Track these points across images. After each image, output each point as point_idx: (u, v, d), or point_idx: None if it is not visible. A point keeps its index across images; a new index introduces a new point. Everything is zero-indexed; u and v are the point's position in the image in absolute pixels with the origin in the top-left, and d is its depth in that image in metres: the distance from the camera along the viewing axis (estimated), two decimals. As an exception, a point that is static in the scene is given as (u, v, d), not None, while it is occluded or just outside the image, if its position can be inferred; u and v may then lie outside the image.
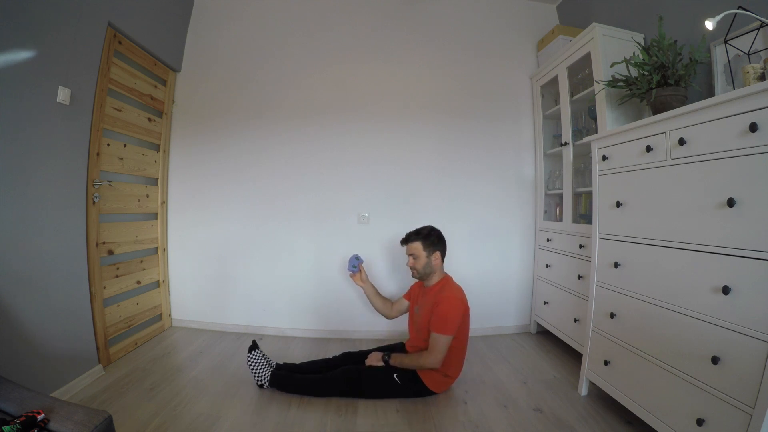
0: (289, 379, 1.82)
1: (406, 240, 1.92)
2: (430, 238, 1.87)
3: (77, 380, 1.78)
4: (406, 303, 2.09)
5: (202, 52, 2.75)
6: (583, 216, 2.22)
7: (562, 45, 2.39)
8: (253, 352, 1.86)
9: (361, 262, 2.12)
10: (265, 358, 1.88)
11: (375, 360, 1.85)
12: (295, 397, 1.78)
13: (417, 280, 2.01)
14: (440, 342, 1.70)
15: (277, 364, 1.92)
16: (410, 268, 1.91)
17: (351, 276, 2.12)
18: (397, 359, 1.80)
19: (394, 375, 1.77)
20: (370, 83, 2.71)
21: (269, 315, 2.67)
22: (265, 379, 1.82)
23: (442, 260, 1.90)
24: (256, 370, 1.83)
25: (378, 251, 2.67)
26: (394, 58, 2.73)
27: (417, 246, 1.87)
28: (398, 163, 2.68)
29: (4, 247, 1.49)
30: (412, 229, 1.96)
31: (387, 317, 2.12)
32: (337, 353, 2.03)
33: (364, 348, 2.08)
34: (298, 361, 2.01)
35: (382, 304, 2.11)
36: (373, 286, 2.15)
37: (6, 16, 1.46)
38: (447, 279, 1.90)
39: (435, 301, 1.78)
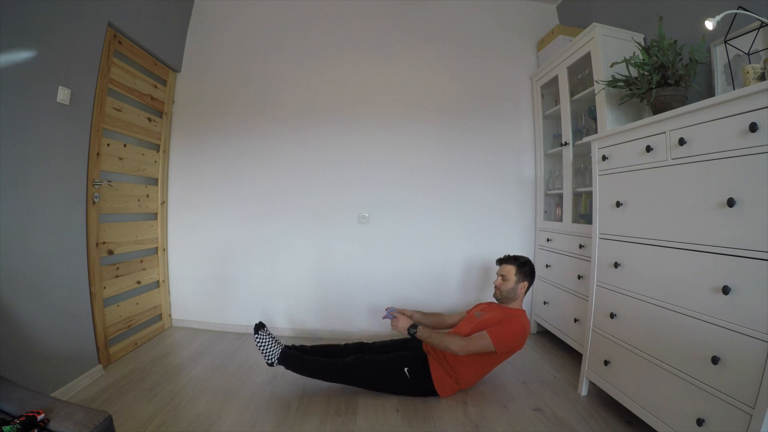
0: (299, 359, 1.82)
1: (503, 261, 1.99)
2: (525, 268, 1.94)
3: (77, 380, 1.78)
4: (461, 315, 2.12)
5: (202, 52, 2.75)
6: (583, 216, 2.22)
7: (562, 45, 2.39)
8: (260, 331, 1.85)
9: (393, 311, 1.97)
10: (273, 338, 1.87)
11: (402, 327, 1.81)
12: (296, 397, 1.78)
13: (482, 302, 2.12)
14: (482, 341, 1.71)
15: (286, 345, 1.90)
16: (495, 286, 1.96)
17: (394, 321, 1.88)
18: (425, 332, 1.77)
19: (405, 369, 1.77)
20: (369, 83, 2.71)
21: (270, 315, 2.67)
22: (274, 357, 1.81)
23: (525, 293, 1.96)
24: (265, 349, 1.82)
25: (378, 251, 2.67)
26: (394, 58, 2.73)
27: (511, 269, 1.93)
28: (398, 163, 2.68)
29: (4, 247, 1.49)
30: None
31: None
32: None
33: (378, 342, 2.07)
34: (309, 344, 2.00)
35: (434, 322, 2.13)
36: (419, 313, 2.14)
37: (6, 16, 1.46)
38: (524, 312, 1.93)
39: (508, 318, 1.81)
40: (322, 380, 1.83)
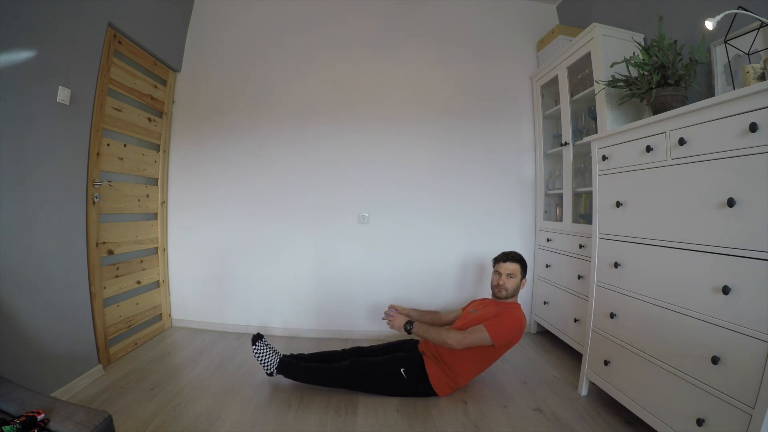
0: (297, 367, 1.85)
1: (511, 260, 1.97)
2: (525, 264, 1.99)
3: (77, 380, 1.78)
4: (458, 313, 2.13)
5: (202, 52, 2.75)
6: (583, 216, 2.22)
7: (562, 45, 2.39)
8: (257, 343, 1.88)
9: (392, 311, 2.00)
10: (270, 348, 1.90)
11: (398, 325, 1.84)
12: (296, 397, 1.78)
13: (474, 299, 2.16)
14: (479, 334, 1.72)
15: (284, 354, 1.93)
16: (500, 286, 1.93)
17: (390, 320, 1.90)
18: (420, 328, 1.80)
19: (401, 369, 1.78)
20: (370, 83, 2.71)
21: (269, 315, 2.67)
22: (273, 366, 1.85)
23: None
24: (264, 359, 1.86)
25: (378, 251, 2.67)
26: (394, 58, 2.73)
27: (518, 268, 1.96)
28: (398, 164, 2.69)
29: (4, 247, 1.48)
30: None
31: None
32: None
33: (375, 345, 2.08)
34: (306, 353, 2.03)
35: (431, 320, 2.14)
36: (415, 311, 2.15)
37: (6, 16, 1.46)
38: (519, 305, 1.95)
39: (503, 312, 1.83)
40: (322, 386, 1.85)
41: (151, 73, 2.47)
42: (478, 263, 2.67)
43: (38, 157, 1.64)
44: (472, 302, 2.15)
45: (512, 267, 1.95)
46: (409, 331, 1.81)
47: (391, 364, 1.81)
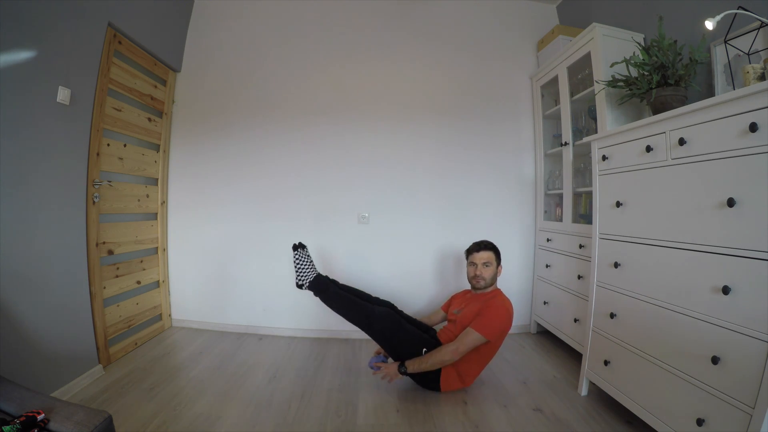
0: (331, 289, 1.82)
1: (484, 248, 1.97)
2: (498, 251, 2.00)
3: (77, 380, 1.78)
4: (441, 314, 2.15)
5: (202, 51, 2.75)
6: (583, 216, 2.22)
7: (562, 45, 2.39)
8: (299, 249, 1.85)
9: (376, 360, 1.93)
10: (311, 260, 1.87)
11: (393, 373, 1.77)
12: (296, 397, 1.78)
13: (455, 293, 2.13)
14: (471, 337, 1.72)
15: (320, 273, 1.91)
16: (477, 276, 1.93)
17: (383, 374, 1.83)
18: (414, 365, 1.74)
19: (423, 349, 1.79)
20: (370, 83, 2.71)
21: (269, 315, 2.67)
22: (307, 279, 1.80)
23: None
24: (301, 267, 1.81)
25: (378, 251, 2.67)
26: (394, 58, 2.73)
27: (492, 256, 1.96)
28: (398, 163, 2.68)
29: (4, 247, 1.48)
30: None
31: None
32: (337, 354, 2.02)
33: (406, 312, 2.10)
34: (341, 282, 2.04)
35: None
36: None
37: (6, 16, 1.46)
38: (500, 290, 1.95)
39: (486, 305, 1.82)
40: (343, 317, 1.83)
41: (151, 73, 2.47)
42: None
43: (38, 157, 1.64)
44: (452, 298, 2.14)
45: (486, 255, 1.95)
46: (404, 373, 1.76)
47: (419, 339, 1.81)
